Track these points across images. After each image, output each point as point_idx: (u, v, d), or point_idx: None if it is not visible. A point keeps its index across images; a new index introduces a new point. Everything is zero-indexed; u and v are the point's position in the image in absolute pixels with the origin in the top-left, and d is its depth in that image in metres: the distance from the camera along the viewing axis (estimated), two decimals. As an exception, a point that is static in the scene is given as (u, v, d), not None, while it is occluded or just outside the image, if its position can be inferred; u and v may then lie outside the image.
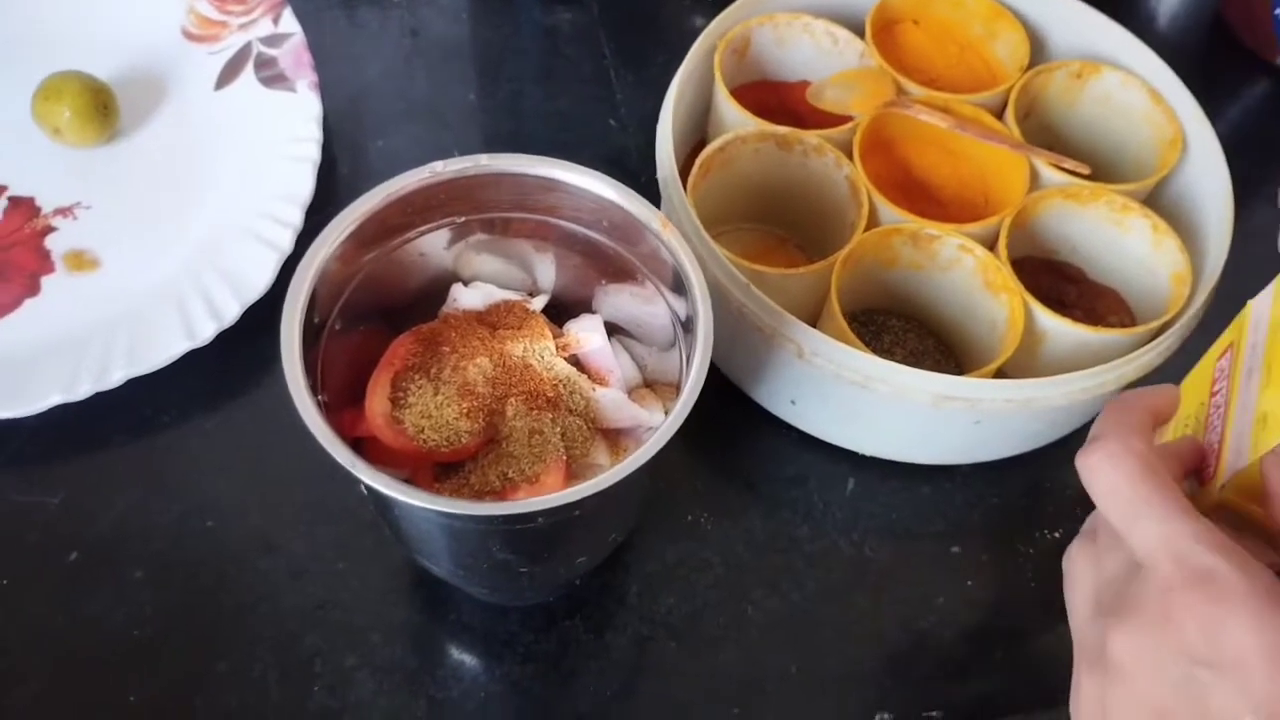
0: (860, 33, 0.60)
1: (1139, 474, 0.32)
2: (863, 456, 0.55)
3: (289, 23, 0.64)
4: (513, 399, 0.43)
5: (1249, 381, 0.35)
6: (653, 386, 0.48)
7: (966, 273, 0.54)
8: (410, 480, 0.43)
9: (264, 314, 0.51)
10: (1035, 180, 0.56)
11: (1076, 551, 0.37)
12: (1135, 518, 0.32)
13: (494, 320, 0.46)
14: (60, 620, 0.49)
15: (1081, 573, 0.36)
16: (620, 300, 0.47)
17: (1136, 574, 0.32)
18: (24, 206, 0.59)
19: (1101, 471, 0.33)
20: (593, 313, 0.48)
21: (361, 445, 0.43)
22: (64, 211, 0.59)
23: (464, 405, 0.43)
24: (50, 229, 0.58)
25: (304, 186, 0.58)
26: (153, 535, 0.51)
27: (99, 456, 0.53)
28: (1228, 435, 0.35)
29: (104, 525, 0.51)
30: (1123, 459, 0.32)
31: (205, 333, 0.53)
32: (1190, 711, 0.30)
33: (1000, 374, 0.51)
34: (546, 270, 0.48)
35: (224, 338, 0.54)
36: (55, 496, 0.52)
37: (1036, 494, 0.56)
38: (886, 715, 0.49)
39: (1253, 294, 0.43)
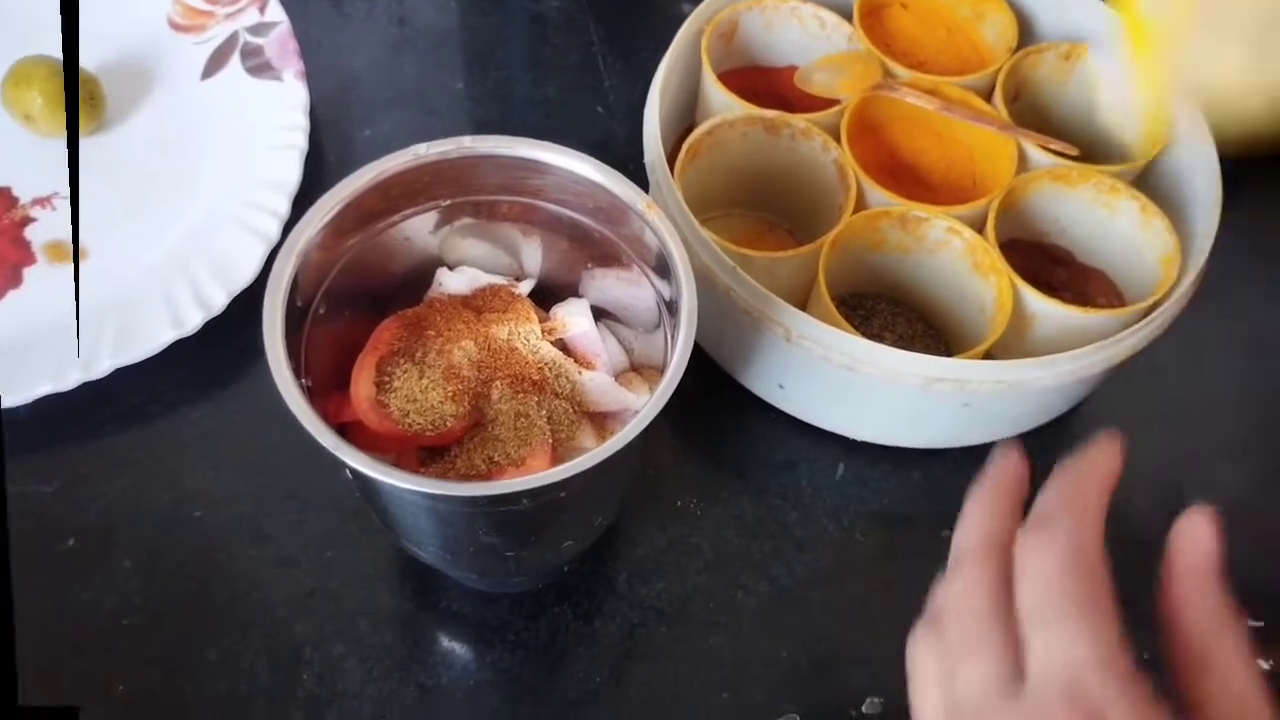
0: (848, 16, 0.59)
1: (1081, 570, 0.29)
2: (852, 441, 0.55)
3: (275, 11, 0.64)
4: (498, 382, 0.43)
5: None
6: (640, 370, 0.48)
7: (955, 255, 0.54)
8: (395, 464, 0.43)
9: (251, 303, 0.51)
10: (1023, 162, 0.56)
11: (921, 643, 0.33)
12: (1059, 619, 0.29)
13: (479, 304, 0.46)
14: (50, 608, 0.49)
15: (927, 671, 0.32)
16: (606, 284, 0.47)
17: (1010, 692, 0.29)
18: (2, 197, 0.59)
19: (1049, 553, 0.30)
20: (579, 297, 0.48)
21: (347, 430, 0.43)
22: (42, 201, 0.59)
23: (449, 389, 0.43)
24: (29, 219, 0.58)
25: (291, 175, 0.58)
26: (142, 524, 0.51)
27: (88, 446, 0.53)
28: None
29: (93, 514, 0.51)
30: (1070, 552, 0.30)
31: (192, 322, 0.53)
32: None
33: (989, 356, 0.51)
34: (532, 254, 0.48)
35: (212, 327, 0.54)
36: (46, 486, 0.51)
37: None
38: (876, 699, 0.49)
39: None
